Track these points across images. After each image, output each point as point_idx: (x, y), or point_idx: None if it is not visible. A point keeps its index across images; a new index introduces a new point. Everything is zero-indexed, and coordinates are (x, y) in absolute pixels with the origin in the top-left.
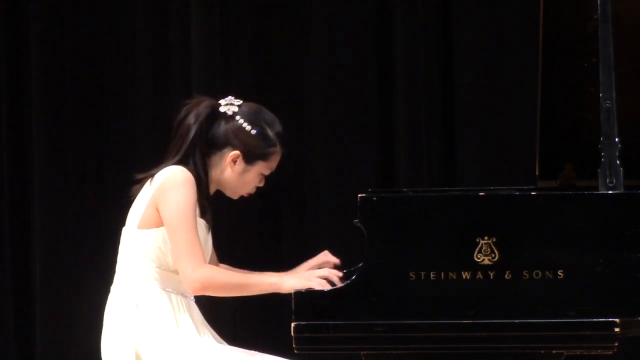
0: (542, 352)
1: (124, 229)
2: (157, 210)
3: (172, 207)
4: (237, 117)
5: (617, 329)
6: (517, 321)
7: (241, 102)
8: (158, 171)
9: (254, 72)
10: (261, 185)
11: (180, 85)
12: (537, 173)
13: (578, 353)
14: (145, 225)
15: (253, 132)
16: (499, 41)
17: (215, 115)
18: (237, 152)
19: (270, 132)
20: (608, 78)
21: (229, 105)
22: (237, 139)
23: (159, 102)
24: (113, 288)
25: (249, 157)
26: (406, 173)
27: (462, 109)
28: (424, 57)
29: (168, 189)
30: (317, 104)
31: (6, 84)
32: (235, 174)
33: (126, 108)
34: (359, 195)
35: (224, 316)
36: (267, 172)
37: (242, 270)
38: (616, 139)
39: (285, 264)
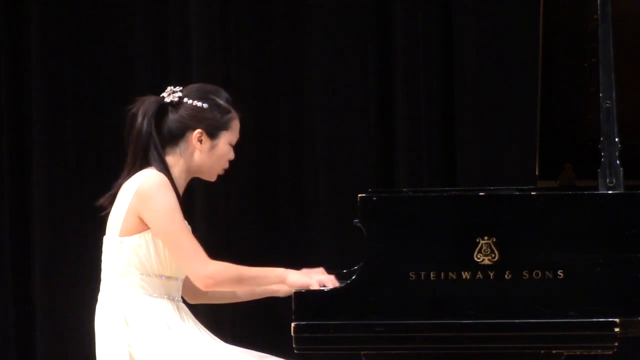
0: (542, 352)
1: (104, 238)
2: (139, 217)
3: (160, 214)
4: (185, 99)
5: (617, 329)
6: (517, 321)
7: (180, 87)
8: (126, 180)
9: (253, 71)
10: (232, 157)
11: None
12: (537, 173)
13: (578, 353)
14: (127, 232)
15: (205, 106)
16: (499, 41)
17: (163, 108)
18: (198, 130)
19: (220, 101)
20: (608, 78)
21: (171, 94)
22: (194, 118)
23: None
24: (100, 297)
25: (212, 131)
26: (406, 173)
27: (462, 109)
28: (423, 57)
29: (148, 196)
30: (318, 103)
31: (6, 85)
32: (205, 153)
33: (126, 106)
34: (359, 195)
35: (224, 316)
36: (234, 141)
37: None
38: (616, 139)
39: (284, 265)
